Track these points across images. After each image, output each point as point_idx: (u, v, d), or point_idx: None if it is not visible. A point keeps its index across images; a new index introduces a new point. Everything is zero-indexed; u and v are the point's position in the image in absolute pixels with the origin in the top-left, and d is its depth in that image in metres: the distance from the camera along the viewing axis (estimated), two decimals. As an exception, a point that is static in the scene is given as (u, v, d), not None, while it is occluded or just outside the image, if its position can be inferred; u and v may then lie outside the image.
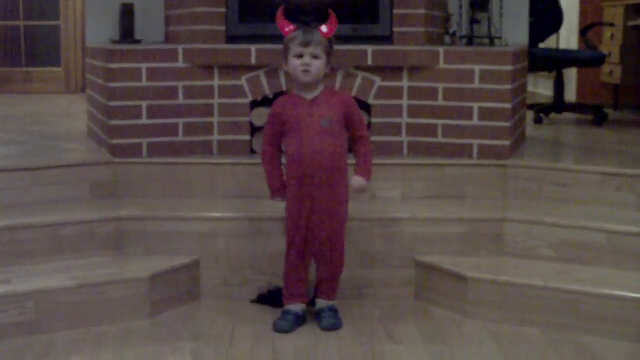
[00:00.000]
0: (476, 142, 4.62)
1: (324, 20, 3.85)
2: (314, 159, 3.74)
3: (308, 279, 3.91)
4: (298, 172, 3.77)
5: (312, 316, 3.90)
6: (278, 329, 3.79)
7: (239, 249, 4.19)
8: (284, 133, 3.83)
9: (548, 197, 4.48)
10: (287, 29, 3.81)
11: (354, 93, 4.66)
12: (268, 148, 3.89)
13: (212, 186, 4.51)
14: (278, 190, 3.89)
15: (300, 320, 3.85)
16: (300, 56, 3.75)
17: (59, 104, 7.97)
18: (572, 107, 7.26)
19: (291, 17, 3.87)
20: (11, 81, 9.13)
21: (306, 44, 3.74)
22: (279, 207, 3.95)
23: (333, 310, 3.88)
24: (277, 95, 4.57)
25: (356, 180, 3.85)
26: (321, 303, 3.90)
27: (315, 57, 3.75)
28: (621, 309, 3.72)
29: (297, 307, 3.87)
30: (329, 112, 3.78)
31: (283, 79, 4.64)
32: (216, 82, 4.68)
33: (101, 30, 5.41)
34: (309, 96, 3.80)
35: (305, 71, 3.74)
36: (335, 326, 3.82)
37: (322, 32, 3.79)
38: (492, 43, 5.14)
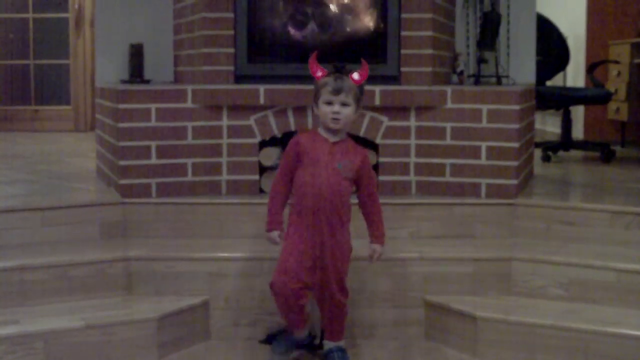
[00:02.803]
0: (484, 181, 4.63)
1: (354, 61, 3.85)
2: (322, 191, 3.71)
3: (304, 304, 3.83)
4: (306, 210, 3.74)
5: (320, 358, 3.90)
6: (274, 350, 3.84)
7: (247, 289, 4.19)
8: (298, 166, 3.78)
9: (556, 235, 4.48)
10: (319, 73, 3.80)
11: (361, 132, 4.68)
12: (281, 180, 3.83)
13: (221, 226, 4.52)
14: (276, 224, 3.81)
15: (298, 343, 3.88)
16: (330, 103, 3.74)
17: (67, 142, 8.00)
18: (579, 145, 7.27)
19: (324, 61, 3.85)
20: (20, 119, 9.17)
21: (337, 92, 3.73)
22: (287, 247, 3.95)
23: (341, 350, 3.86)
24: (286, 134, 4.59)
25: (374, 249, 3.85)
26: (329, 344, 3.89)
27: (345, 104, 3.75)
28: (631, 348, 3.70)
29: (300, 332, 3.88)
30: (346, 158, 3.78)
31: (292, 119, 4.66)
32: (225, 122, 4.70)
33: (110, 70, 5.46)
34: (332, 139, 3.79)
35: (335, 119, 3.74)
36: (345, 365, 3.82)
37: (353, 79, 3.78)
38: (499, 82, 5.17)
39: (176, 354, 4.00)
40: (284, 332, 3.92)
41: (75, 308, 4.00)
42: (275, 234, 3.81)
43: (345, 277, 3.85)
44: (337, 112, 3.73)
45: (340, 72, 3.79)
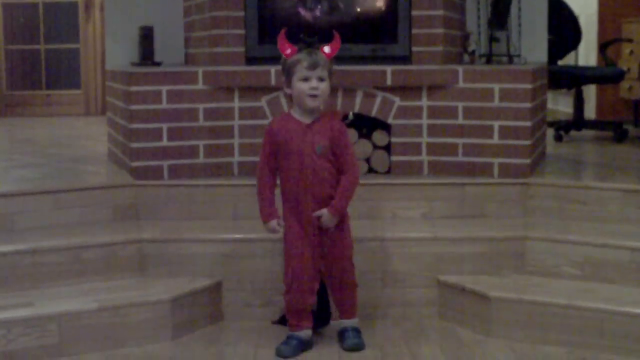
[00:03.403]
0: (497, 161, 4.61)
1: (326, 40, 3.80)
2: (312, 187, 3.70)
3: (315, 302, 3.86)
4: (296, 201, 3.73)
5: (335, 336, 3.90)
6: (279, 354, 3.75)
7: (260, 270, 4.19)
8: (279, 155, 3.76)
9: (569, 214, 4.46)
10: (288, 51, 3.74)
11: (373, 113, 4.67)
12: (265, 173, 3.78)
13: (233, 207, 4.52)
14: (271, 214, 3.78)
15: (304, 346, 3.80)
16: (306, 79, 3.69)
17: (79, 126, 8.01)
18: (591, 124, 7.24)
19: (293, 38, 3.80)
20: (32, 104, 9.18)
21: (313, 67, 3.67)
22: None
23: (356, 330, 3.86)
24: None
25: (321, 212, 3.73)
26: (344, 322, 3.87)
27: (322, 79, 3.70)
28: (645, 326, 3.70)
29: (302, 333, 3.82)
30: (322, 138, 3.73)
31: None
32: (236, 104, 4.69)
33: (121, 53, 5.45)
34: (307, 120, 3.75)
35: (313, 95, 3.69)
36: (359, 346, 3.81)
37: (324, 52, 3.73)
38: (510, 61, 5.14)
39: (189, 335, 4.00)
40: (290, 337, 3.84)
41: (88, 290, 4.02)
42: (273, 222, 3.78)
43: (351, 257, 3.84)
44: (315, 88, 3.67)
45: (311, 46, 3.73)
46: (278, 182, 3.83)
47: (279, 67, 4.49)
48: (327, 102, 3.87)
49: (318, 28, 4.73)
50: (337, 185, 3.75)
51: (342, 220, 3.79)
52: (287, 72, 3.74)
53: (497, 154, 4.61)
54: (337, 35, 3.81)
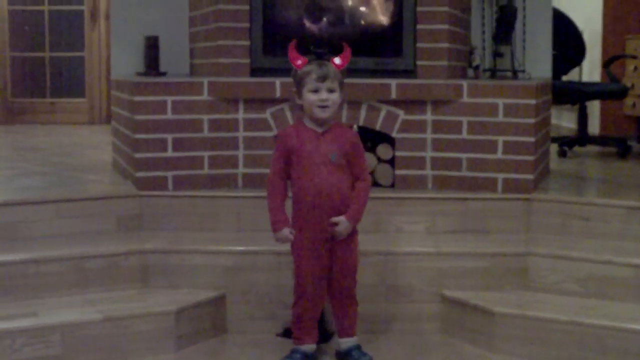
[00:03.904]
0: (500, 176, 4.61)
1: (336, 52, 3.80)
2: (326, 196, 3.68)
3: (319, 317, 3.86)
4: (310, 210, 3.70)
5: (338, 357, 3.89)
6: None
7: (264, 282, 4.19)
8: (291, 164, 3.74)
9: (572, 231, 4.46)
10: (298, 62, 3.74)
11: (378, 126, 4.67)
12: (277, 182, 3.76)
13: (237, 219, 4.52)
14: (282, 222, 3.73)
15: None
16: (316, 91, 3.68)
17: (83, 135, 8.01)
18: (595, 140, 7.24)
19: (302, 49, 3.80)
20: (36, 112, 9.18)
21: (323, 79, 3.67)
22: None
23: (359, 348, 3.84)
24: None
25: (339, 219, 3.70)
26: (346, 342, 3.84)
27: (331, 90, 3.69)
28: (648, 344, 3.70)
29: (306, 347, 3.81)
30: (336, 147, 3.72)
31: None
32: (241, 115, 4.70)
33: (126, 62, 5.46)
34: (319, 129, 3.74)
35: (323, 107, 3.68)
36: (370, 362, 3.81)
37: (334, 64, 3.73)
38: (515, 76, 5.15)
39: (193, 347, 4.00)
40: (294, 351, 3.83)
41: (91, 301, 4.01)
42: (285, 231, 3.73)
43: (356, 272, 3.83)
44: (325, 100, 3.67)
45: (322, 58, 3.74)
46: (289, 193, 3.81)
47: (284, 79, 4.55)
48: (337, 113, 3.86)
49: (323, 40, 4.74)
50: (349, 194, 3.74)
51: (352, 234, 3.78)
52: (298, 83, 3.74)
53: (501, 169, 4.61)
54: (347, 47, 3.80)
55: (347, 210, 3.72)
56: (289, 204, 3.78)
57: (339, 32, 4.93)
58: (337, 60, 3.75)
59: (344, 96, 3.82)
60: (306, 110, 3.74)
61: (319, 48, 3.77)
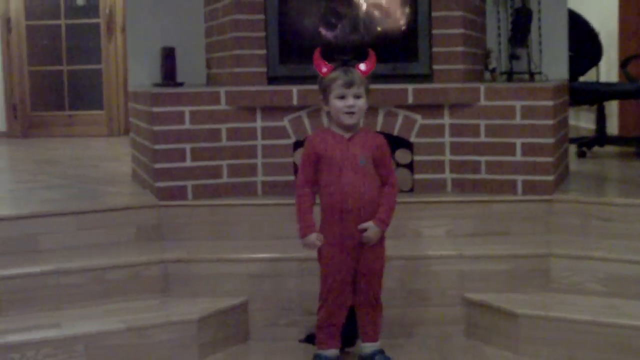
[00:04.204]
0: (520, 178, 4.61)
1: (361, 59, 3.81)
2: (355, 201, 3.67)
3: (343, 322, 3.85)
4: (338, 215, 3.69)
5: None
6: None
7: (285, 289, 4.20)
8: (319, 170, 3.73)
9: (593, 231, 4.45)
10: (324, 69, 3.74)
11: (395, 131, 4.67)
12: (306, 190, 3.74)
13: (257, 227, 4.53)
14: (310, 227, 3.70)
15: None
16: (343, 97, 3.68)
17: (101, 147, 8.05)
18: (614, 140, 7.21)
19: (328, 56, 3.81)
20: (54, 125, 9.23)
21: (349, 85, 3.67)
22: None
23: (382, 352, 3.84)
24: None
25: (368, 225, 3.69)
26: (369, 347, 3.85)
27: (358, 97, 3.69)
28: (672, 343, 3.69)
29: (329, 352, 3.82)
30: (365, 151, 3.72)
31: (325, 119, 4.65)
32: (259, 124, 4.71)
33: (143, 74, 5.48)
34: (347, 134, 3.74)
35: (350, 113, 3.68)
36: (394, 367, 3.80)
37: (360, 70, 3.74)
38: (532, 78, 5.14)
39: (215, 355, 4.01)
40: (317, 357, 3.84)
41: (113, 311, 4.03)
42: (313, 236, 3.71)
43: (382, 276, 3.83)
44: (352, 106, 3.67)
45: (347, 64, 3.74)
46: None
47: (301, 87, 4.56)
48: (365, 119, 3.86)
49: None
50: (378, 199, 3.73)
51: (380, 240, 3.78)
52: (324, 90, 3.74)
53: (520, 171, 4.60)
54: (372, 53, 3.81)
55: (376, 215, 3.71)
56: (316, 210, 3.77)
57: (355, 39, 4.93)
58: (362, 66, 3.76)
59: (370, 102, 3.82)
60: (333, 116, 3.75)
61: (344, 55, 3.78)
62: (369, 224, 3.69)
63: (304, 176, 3.75)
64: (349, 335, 3.94)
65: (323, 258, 3.78)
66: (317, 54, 3.78)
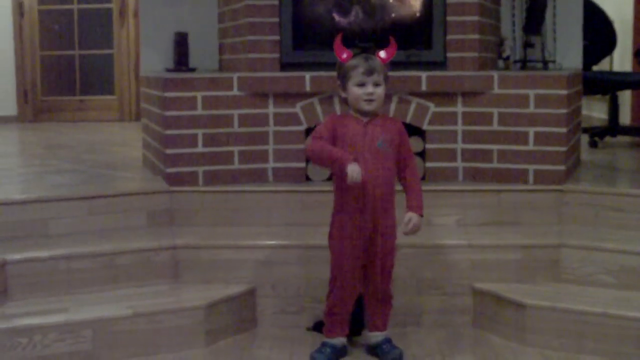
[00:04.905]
0: (532, 167, 4.58)
1: (381, 46, 3.80)
2: (372, 183, 3.65)
3: (352, 310, 3.85)
4: (353, 198, 3.67)
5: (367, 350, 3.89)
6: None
7: (294, 276, 4.19)
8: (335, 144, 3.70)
9: (605, 222, 4.42)
10: (344, 55, 3.73)
11: (408, 119, 4.65)
12: (320, 137, 3.67)
13: (268, 214, 4.52)
14: (347, 157, 3.56)
15: (338, 353, 3.79)
16: (362, 84, 3.67)
17: (113, 132, 8.04)
18: (627, 130, 7.18)
19: (348, 42, 3.80)
20: (66, 109, 9.23)
21: (370, 73, 3.66)
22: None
23: (389, 341, 3.83)
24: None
25: (410, 217, 3.70)
26: (377, 336, 3.84)
27: (377, 84, 3.68)
28: (683, 336, 3.67)
29: (337, 341, 3.81)
30: (383, 134, 3.71)
31: (337, 106, 4.63)
32: (271, 110, 4.69)
33: (155, 59, 5.46)
34: (365, 119, 3.72)
35: (369, 100, 3.67)
36: (401, 356, 3.78)
37: (380, 57, 3.73)
38: (545, 67, 5.11)
39: (223, 341, 4.01)
40: (324, 345, 3.83)
41: (123, 296, 4.03)
42: (355, 165, 3.55)
43: (393, 266, 3.82)
44: (372, 93, 3.66)
45: (367, 51, 3.73)
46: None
47: (314, 73, 4.54)
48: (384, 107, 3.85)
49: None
50: (394, 183, 3.74)
51: (393, 233, 3.77)
52: (343, 77, 3.72)
53: (532, 160, 4.58)
54: (392, 41, 3.79)
55: (408, 204, 3.72)
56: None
57: (369, 25, 4.91)
58: (382, 53, 3.75)
59: (388, 89, 3.81)
60: (351, 103, 3.74)
61: (365, 42, 3.76)
62: (412, 217, 3.70)
63: (320, 133, 3.70)
64: (356, 324, 3.93)
65: (335, 242, 3.77)
66: (338, 40, 3.76)
